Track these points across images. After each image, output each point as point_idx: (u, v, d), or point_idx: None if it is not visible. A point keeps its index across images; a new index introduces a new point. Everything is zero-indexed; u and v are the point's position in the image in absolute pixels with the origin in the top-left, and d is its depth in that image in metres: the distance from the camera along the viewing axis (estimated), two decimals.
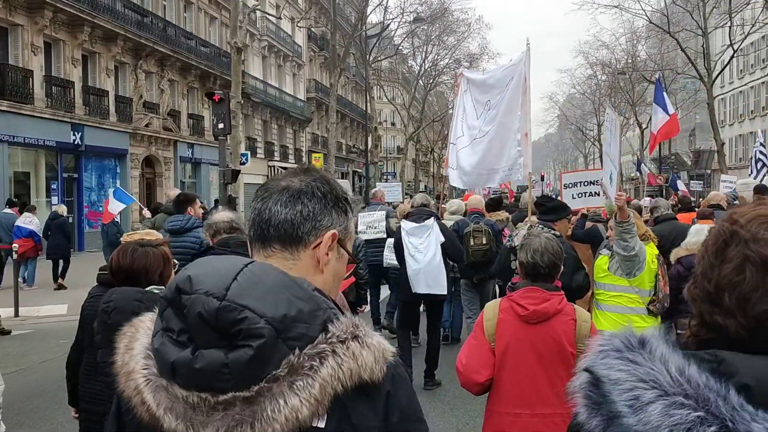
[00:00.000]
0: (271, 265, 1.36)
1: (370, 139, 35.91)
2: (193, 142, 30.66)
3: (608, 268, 5.39)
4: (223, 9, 34.85)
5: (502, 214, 9.38)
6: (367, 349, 1.27)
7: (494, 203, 10.08)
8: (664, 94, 18.11)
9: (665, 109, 15.90)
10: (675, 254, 6.45)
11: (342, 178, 50.79)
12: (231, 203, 14.79)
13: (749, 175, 22.17)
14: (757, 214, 1.21)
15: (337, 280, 1.55)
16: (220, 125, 14.62)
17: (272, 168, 39.66)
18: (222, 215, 4.75)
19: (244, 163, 34.56)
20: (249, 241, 1.54)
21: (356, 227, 4.11)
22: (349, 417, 1.26)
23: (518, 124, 7.89)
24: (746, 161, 52.65)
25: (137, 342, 1.34)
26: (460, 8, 65.02)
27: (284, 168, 40.21)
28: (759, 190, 11.11)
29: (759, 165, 21.34)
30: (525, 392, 3.46)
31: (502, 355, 3.52)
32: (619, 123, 7.71)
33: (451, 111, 57.05)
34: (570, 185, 12.57)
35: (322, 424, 1.23)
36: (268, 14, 26.53)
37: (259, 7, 23.72)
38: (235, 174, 15.16)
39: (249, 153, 35.39)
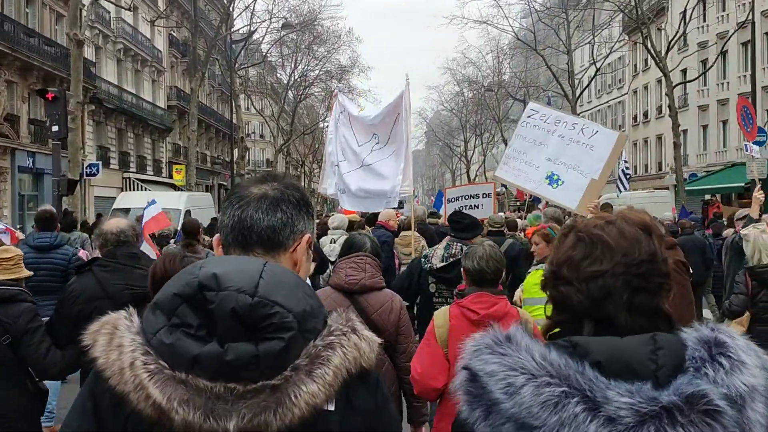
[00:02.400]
0: (282, 266, 1.51)
1: (236, 150, 33.82)
2: (35, 150, 27.41)
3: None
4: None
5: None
6: (363, 340, 1.43)
7: (375, 219, 10.03)
8: None
9: None
10: None
11: (206, 191, 48.26)
12: (66, 218, 12.64)
13: (618, 190, 22.50)
14: (591, 220, 1.53)
15: (306, 279, 1.63)
16: (54, 127, 12.56)
17: (128, 180, 36.62)
18: (111, 225, 4.48)
19: (94, 174, 31.67)
20: (225, 246, 1.61)
21: None
22: (351, 400, 1.42)
23: (403, 154, 8.14)
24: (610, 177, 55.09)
25: (124, 339, 1.36)
26: (330, 17, 63.84)
27: (141, 180, 37.35)
28: (604, 207, 11.64)
29: (626, 179, 21.77)
30: None
31: (456, 360, 2.97)
32: (570, 116, 7.63)
33: (321, 125, 56.39)
34: (452, 199, 12.60)
35: (332, 407, 1.37)
36: (115, 3, 23.99)
37: None
38: (72, 184, 13.08)
39: (101, 163, 32.50)
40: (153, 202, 7.77)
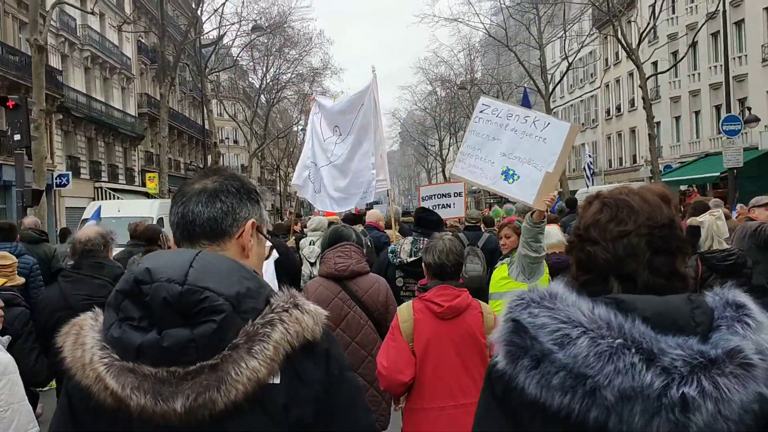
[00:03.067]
0: (217, 253, 1.59)
1: (209, 156, 33.32)
2: (0, 162, 26.80)
3: (509, 275, 5.57)
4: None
5: (358, 228, 9.36)
6: (307, 314, 1.50)
7: (354, 218, 10.30)
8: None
9: None
10: None
11: None
12: (63, 233, 12.21)
13: (586, 185, 22.67)
14: (615, 189, 1.60)
15: (260, 262, 1.76)
16: (16, 136, 12.10)
17: (99, 189, 35.97)
18: (80, 234, 4.53)
19: (64, 185, 31.03)
20: (176, 242, 1.70)
21: None
22: (297, 372, 1.49)
23: (372, 149, 8.22)
24: (579, 171, 55.23)
25: (86, 337, 1.48)
26: (301, 18, 63.33)
27: (114, 190, 36.69)
28: (570, 203, 12.80)
29: (590, 174, 22.00)
30: (448, 385, 3.67)
31: (423, 353, 3.70)
32: (525, 111, 6.35)
33: (295, 128, 56.04)
34: (426, 197, 12.80)
35: (277, 380, 1.45)
36: (77, 7, 23.43)
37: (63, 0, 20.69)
38: (37, 195, 12.62)
39: (70, 173, 31.85)
40: (96, 214, 6.96)
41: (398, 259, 6.00)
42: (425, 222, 6.41)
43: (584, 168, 22.17)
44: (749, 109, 22.17)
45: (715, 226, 6.30)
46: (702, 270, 6.23)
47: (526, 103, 17.50)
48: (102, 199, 33.35)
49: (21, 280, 4.67)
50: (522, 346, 1.38)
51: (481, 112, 7.22)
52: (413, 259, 5.83)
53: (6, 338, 3.69)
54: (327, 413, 1.55)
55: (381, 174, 8.45)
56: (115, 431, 1.47)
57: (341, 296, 4.52)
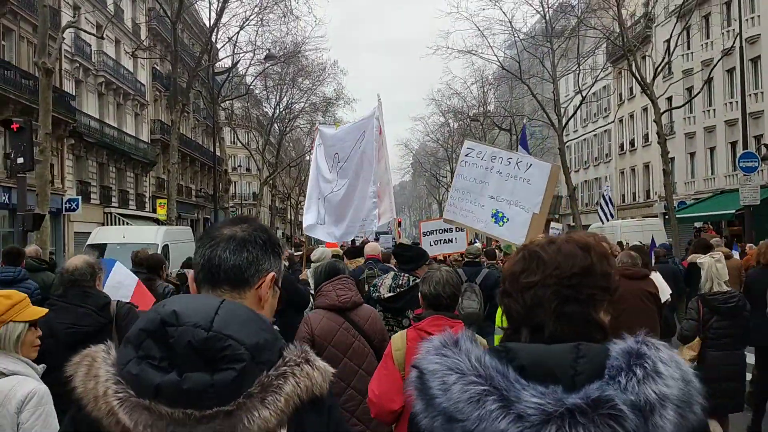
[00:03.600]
0: (238, 303, 1.63)
1: (220, 183, 33.21)
2: (10, 186, 26.70)
3: None
4: (50, 38, 31.29)
5: (360, 261, 9.64)
6: (316, 370, 1.55)
7: (355, 251, 10.16)
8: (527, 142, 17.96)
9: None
10: None
11: (191, 225, 47.53)
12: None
13: (602, 221, 22.16)
14: (539, 239, 1.66)
15: (272, 313, 1.85)
16: (20, 159, 11.89)
17: (109, 215, 35.88)
18: (69, 263, 4.54)
19: (74, 210, 30.95)
20: (197, 283, 1.79)
21: None
22: (303, 426, 1.55)
23: (373, 177, 8.22)
24: (592, 206, 54.82)
25: (100, 370, 1.50)
26: (315, 48, 63.67)
27: (123, 215, 36.60)
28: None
29: (606, 210, 21.54)
30: None
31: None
32: (506, 155, 7.41)
33: (307, 157, 55.99)
34: (428, 233, 12.63)
35: (284, 431, 1.49)
36: (87, 32, 23.53)
37: (75, 24, 20.71)
38: (39, 219, 12.37)
39: (80, 198, 31.79)
40: (112, 263, 6.28)
41: (377, 294, 6.07)
42: (401, 258, 6.64)
43: (598, 202, 21.64)
44: (766, 146, 21.77)
45: (714, 268, 6.38)
46: (703, 312, 6.35)
47: (523, 140, 17.33)
48: (111, 224, 33.25)
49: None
50: (420, 390, 1.45)
51: (466, 155, 7.50)
52: (390, 294, 5.91)
53: (41, 367, 3.53)
54: None
55: (386, 203, 8.43)
56: None
57: (345, 326, 4.70)
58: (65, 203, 31.13)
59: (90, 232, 29.22)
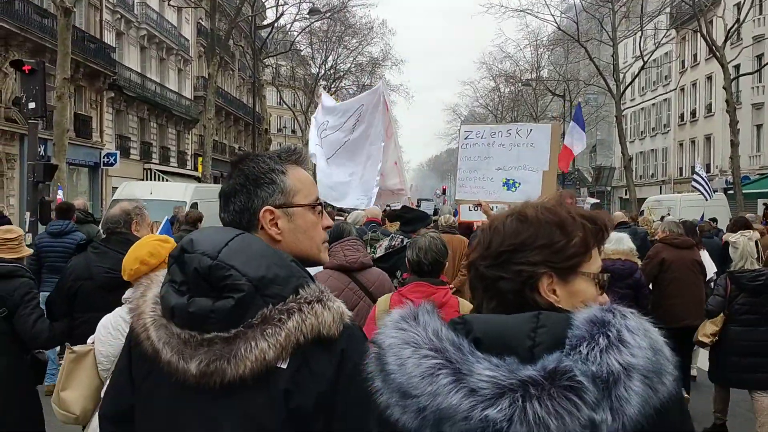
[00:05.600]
0: (256, 237, 1.67)
1: (259, 143, 32.27)
2: (46, 137, 26.17)
3: None
4: None
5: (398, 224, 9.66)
6: (327, 310, 1.56)
7: (393, 214, 10.17)
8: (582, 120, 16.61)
9: (580, 132, 14.74)
10: None
11: None
12: (44, 208, 11.09)
13: (706, 198, 20.78)
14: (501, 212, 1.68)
15: (304, 234, 1.76)
16: (31, 104, 10.96)
17: (149, 171, 35.37)
18: (112, 212, 4.76)
19: (111, 164, 30.45)
20: None
21: None
22: (308, 363, 1.55)
23: (379, 156, 8.48)
24: (647, 178, 52.58)
25: (150, 291, 1.68)
26: (362, 4, 61.86)
27: (163, 172, 36.05)
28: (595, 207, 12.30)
29: (704, 187, 20.05)
30: None
31: None
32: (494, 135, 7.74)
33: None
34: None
35: (284, 366, 1.53)
36: None
37: None
38: (50, 170, 11.47)
39: (118, 153, 31.24)
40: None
41: (373, 254, 6.17)
42: (401, 219, 6.63)
43: (695, 179, 19.90)
44: None
45: (749, 246, 6.46)
46: (731, 288, 6.38)
47: (579, 117, 15.77)
48: (150, 180, 32.69)
49: (28, 251, 4.85)
50: (377, 366, 1.38)
51: (465, 139, 7.91)
52: (380, 254, 5.98)
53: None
54: (329, 409, 1.58)
55: (397, 181, 8.72)
56: (150, 378, 1.64)
57: (351, 287, 4.76)
58: (103, 157, 30.65)
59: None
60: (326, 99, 10.24)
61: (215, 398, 1.54)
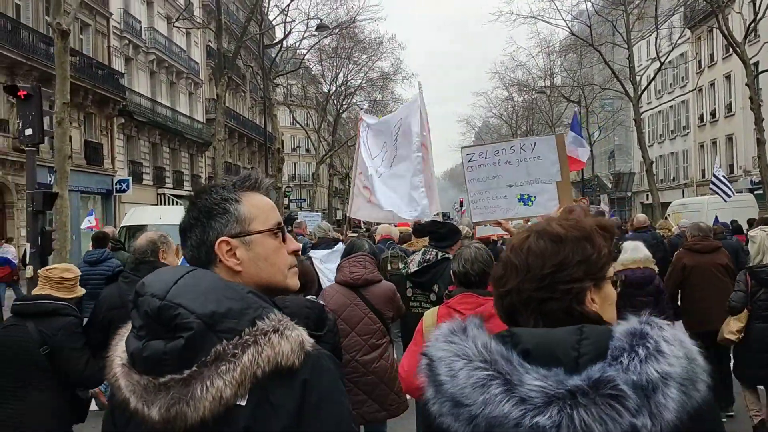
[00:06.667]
0: (209, 272, 1.62)
1: (271, 163, 31.83)
2: (52, 164, 25.89)
3: None
4: (98, 14, 30.35)
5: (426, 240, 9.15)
6: (285, 340, 1.49)
7: (420, 230, 10.05)
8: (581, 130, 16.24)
9: (579, 139, 14.23)
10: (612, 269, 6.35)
11: None
12: (44, 238, 10.60)
13: (724, 200, 20.11)
14: (515, 238, 1.71)
15: (265, 262, 1.69)
16: (28, 131, 10.51)
17: (162, 196, 35.08)
18: (138, 242, 4.88)
19: (124, 191, 30.16)
20: None
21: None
22: (268, 398, 1.48)
23: (419, 167, 8.40)
24: (668, 181, 51.56)
25: (123, 338, 1.61)
26: (369, 18, 61.34)
27: (177, 196, 35.72)
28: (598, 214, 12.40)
29: (722, 189, 19.38)
30: None
31: None
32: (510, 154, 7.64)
33: None
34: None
35: (243, 403, 1.46)
36: None
37: None
38: (50, 198, 11.01)
39: (131, 179, 30.98)
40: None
41: (406, 269, 6.27)
42: (435, 235, 6.65)
43: (713, 182, 19.30)
44: None
45: (766, 241, 6.40)
46: (751, 284, 6.35)
47: (575, 125, 15.40)
48: (165, 205, 32.34)
49: (81, 291, 4.89)
50: (429, 377, 1.45)
51: (469, 162, 7.87)
52: (416, 269, 6.01)
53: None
54: None
55: (435, 195, 8.73)
56: (130, 424, 1.57)
57: (356, 302, 4.92)
58: (116, 184, 30.39)
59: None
60: (369, 118, 10.09)
61: None
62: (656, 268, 7.34)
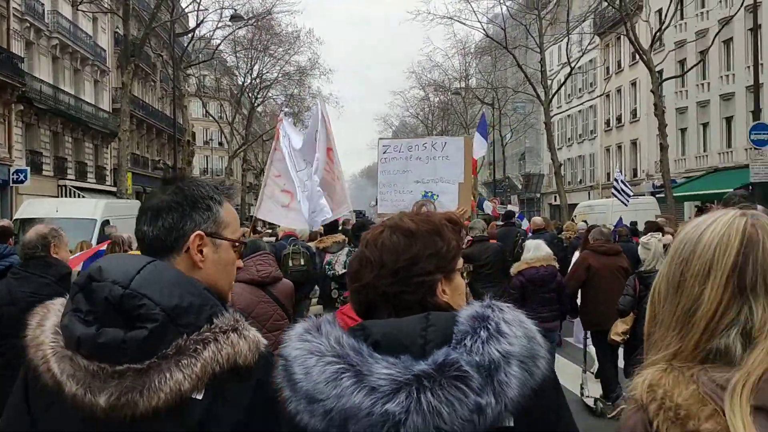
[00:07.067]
0: (168, 264, 1.65)
1: (180, 155, 30.82)
2: None
3: None
4: None
5: (339, 236, 9.34)
6: (243, 340, 1.55)
7: (331, 227, 9.97)
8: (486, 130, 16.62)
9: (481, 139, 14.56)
10: (516, 267, 7.66)
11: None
12: None
13: (625, 204, 20.55)
14: (370, 232, 1.73)
15: (223, 269, 1.75)
16: None
17: (63, 188, 33.38)
18: (28, 236, 4.74)
19: (21, 181, 28.50)
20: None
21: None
22: (224, 393, 1.53)
23: (321, 168, 8.41)
24: (575, 184, 53.09)
25: (48, 320, 1.61)
26: (286, 11, 60.35)
27: (80, 188, 34.13)
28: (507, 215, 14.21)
29: (622, 193, 19.91)
30: None
31: None
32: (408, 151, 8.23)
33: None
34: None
35: (200, 397, 1.51)
36: None
37: None
38: None
39: (29, 169, 29.30)
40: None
41: (332, 272, 6.29)
42: (358, 235, 6.50)
43: (614, 186, 19.85)
44: None
45: (660, 248, 6.79)
46: (639, 288, 6.72)
47: (482, 125, 15.85)
48: (67, 197, 30.79)
49: None
50: (285, 377, 1.45)
51: (384, 153, 8.16)
52: (343, 271, 6.10)
53: None
54: None
55: (341, 194, 8.74)
56: (52, 412, 1.55)
57: (265, 299, 4.98)
58: (12, 174, 28.64)
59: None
60: (288, 125, 9.90)
61: (125, 431, 1.50)
62: (557, 266, 7.84)
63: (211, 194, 1.75)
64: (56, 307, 1.63)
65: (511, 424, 1.41)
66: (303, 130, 9.95)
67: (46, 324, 1.59)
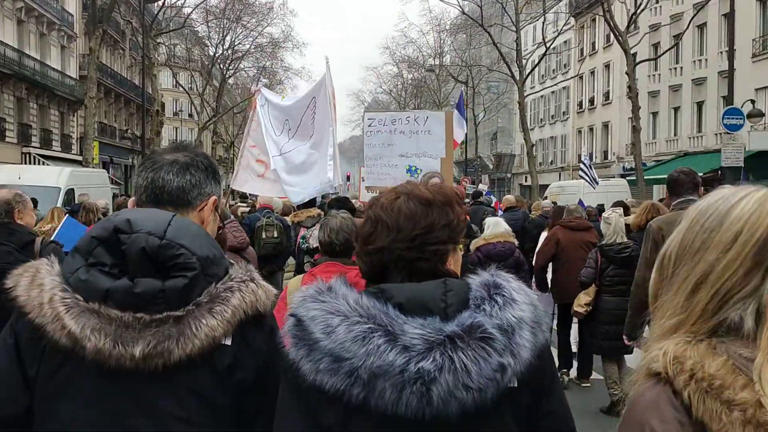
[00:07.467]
0: (188, 218, 1.74)
1: (149, 124, 30.17)
2: None
3: None
4: None
5: (314, 211, 9.25)
6: (261, 289, 1.67)
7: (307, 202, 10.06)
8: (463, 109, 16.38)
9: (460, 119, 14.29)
10: (474, 244, 7.62)
11: (124, 170, 44.40)
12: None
13: (592, 186, 20.63)
14: (383, 197, 1.74)
15: (213, 232, 1.88)
16: None
17: (27, 155, 32.54)
18: None
19: None
20: (138, 205, 1.82)
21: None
22: (246, 338, 1.63)
23: (331, 145, 8.24)
24: (546, 165, 53.34)
25: (45, 279, 1.57)
26: None
27: (45, 156, 33.31)
28: (475, 195, 13.79)
29: (590, 176, 19.93)
30: None
31: None
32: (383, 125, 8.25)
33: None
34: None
35: (228, 342, 1.60)
36: None
37: None
38: None
39: None
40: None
41: (306, 245, 6.45)
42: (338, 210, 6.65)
43: (582, 168, 19.81)
44: (753, 102, 20.02)
45: (621, 223, 6.97)
46: (601, 261, 6.91)
47: (461, 107, 15.66)
48: (31, 164, 30.04)
49: None
50: (300, 338, 1.48)
51: (369, 126, 8.23)
52: (317, 245, 6.42)
53: None
54: (263, 382, 1.65)
55: (336, 167, 8.61)
56: (62, 373, 1.53)
57: (241, 264, 4.16)
58: None
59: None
60: (269, 93, 9.46)
61: (155, 381, 1.52)
62: (516, 242, 8.10)
63: (217, 170, 1.92)
64: (44, 267, 1.61)
65: (515, 384, 1.52)
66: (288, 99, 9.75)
67: (45, 282, 1.56)
